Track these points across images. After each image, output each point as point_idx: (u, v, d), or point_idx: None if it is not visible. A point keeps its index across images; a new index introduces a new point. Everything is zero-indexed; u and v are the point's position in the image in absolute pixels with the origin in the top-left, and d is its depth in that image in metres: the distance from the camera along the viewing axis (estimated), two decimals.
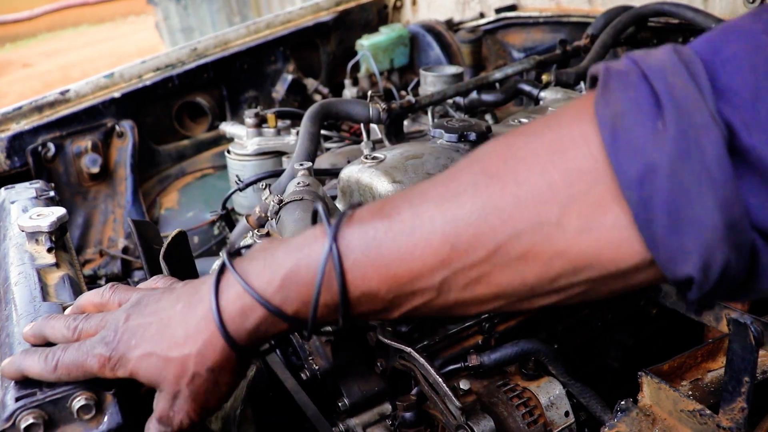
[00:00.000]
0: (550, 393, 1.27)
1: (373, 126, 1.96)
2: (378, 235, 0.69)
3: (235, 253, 0.80)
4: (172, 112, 2.69)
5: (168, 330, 0.77)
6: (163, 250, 1.19)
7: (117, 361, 0.78)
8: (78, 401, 0.77)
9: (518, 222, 0.63)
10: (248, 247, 0.81)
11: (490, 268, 0.66)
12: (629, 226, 0.59)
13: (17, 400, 0.76)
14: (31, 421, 0.74)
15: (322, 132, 1.92)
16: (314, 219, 0.80)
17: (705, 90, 0.56)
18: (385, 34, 2.74)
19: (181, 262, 1.25)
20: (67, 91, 2.38)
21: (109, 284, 0.90)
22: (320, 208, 0.75)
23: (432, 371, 1.11)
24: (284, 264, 0.73)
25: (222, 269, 0.77)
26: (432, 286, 0.69)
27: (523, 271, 0.65)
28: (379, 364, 1.30)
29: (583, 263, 0.63)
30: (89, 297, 0.90)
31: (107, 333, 0.80)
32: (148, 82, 2.52)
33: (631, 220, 0.59)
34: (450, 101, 1.92)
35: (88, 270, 2.29)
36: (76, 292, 1.07)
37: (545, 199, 0.62)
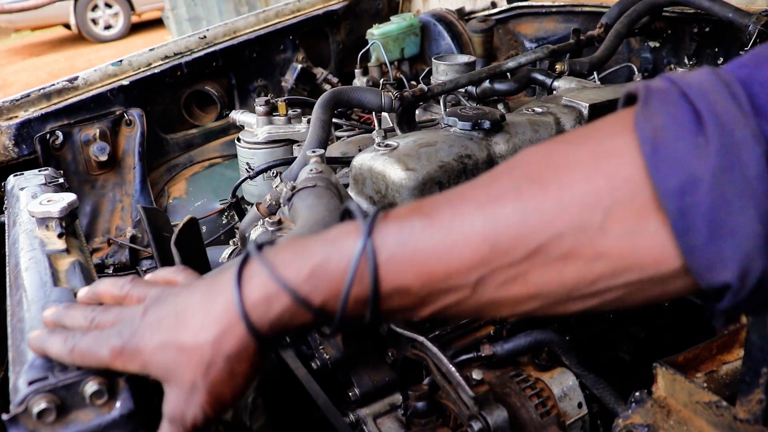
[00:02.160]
0: (563, 384, 1.26)
1: (384, 115, 1.95)
2: (415, 232, 0.69)
3: (260, 246, 0.77)
4: (180, 101, 2.68)
5: (184, 319, 0.76)
6: (174, 236, 1.18)
7: (130, 353, 0.77)
8: (91, 386, 0.76)
9: (561, 224, 0.64)
10: (272, 242, 0.79)
11: (529, 267, 0.66)
12: (667, 235, 0.61)
13: (30, 384, 0.75)
14: (43, 405, 0.73)
15: (333, 120, 1.91)
16: (343, 217, 0.78)
17: (745, 108, 0.59)
18: (395, 23, 2.72)
19: (192, 250, 1.24)
20: (76, 78, 2.37)
21: (130, 277, 0.88)
22: (353, 205, 0.75)
23: (445, 360, 1.10)
24: (314, 255, 0.72)
25: (246, 259, 0.75)
26: (467, 283, 0.68)
27: (563, 271, 0.66)
28: (390, 353, 1.29)
29: (623, 266, 0.64)
30: (108, 287, 0.88)
31: (123, 327, 0.79)
32: (156, 70, 2.51)
33: (669, 229, 0.60)
34: (462, 90, 1.91)
35: (96, 259, 2.28)
36: (87, 278, 1.06)
37: (589, 203, 0.63)
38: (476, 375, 1.16)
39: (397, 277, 0.69)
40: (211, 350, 0.74)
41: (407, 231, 0.69)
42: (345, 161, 1.66)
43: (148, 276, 0.92)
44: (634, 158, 0.62)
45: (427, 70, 2.20)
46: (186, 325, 0.75)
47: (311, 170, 1.21)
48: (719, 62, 2.11)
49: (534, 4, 2.68)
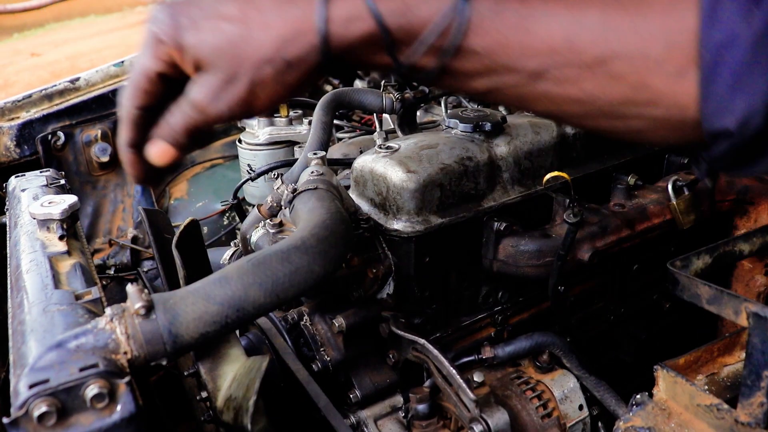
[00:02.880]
0: (564, 386, 1.26)
1: (386, 116, 1.95)
2: (509, 7, 0.73)
3: None
4: None
5: (256, 5, 0.73)
6: (175, 239, 1.18)
7: (176, 30, 0.74)
8: (91, 389, 0.76)
9: (630, 46, 0.72)
10: None
11: (587, 74, 0.74)
12: (696, 83, 0.70)
13: (30, 387, 0.75)
14: (44, 409, 0.73)
15: (334, 122, 1.91)
16: None
17: None
18: None
19: (193, 251, 1.24)
20: (77, 79, 2.38)
21: None
22: None
23: (446, 363, 1.10)
24: None
25: None
26: (531, 69, 0.74)
27: (612, 87, 0.74)
28: (391, 355, 1.29)
29: (658, 101, 0.73)
30: None
31: (160, 12, 0.76)
32: None
33: (699, 78, 0.70)
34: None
35: (97, 260, 2.28)
36: (88, 280, 1.06)
37: (657, 38, 0.71)
38: (477, 377, 1.15)
39: (477, 39, 0.73)
40: (274, 47, 0.72)
41: (504, 4, 0.73)
42: (346, 163, 1.66)
43: None
44: (697, 11, 0.69)
45: None
46: (257, 12, 0.73)
47: (312, 172, 1.20)
48: None
49: None
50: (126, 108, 0.83)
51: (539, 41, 0.73)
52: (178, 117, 0.80)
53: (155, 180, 0.92)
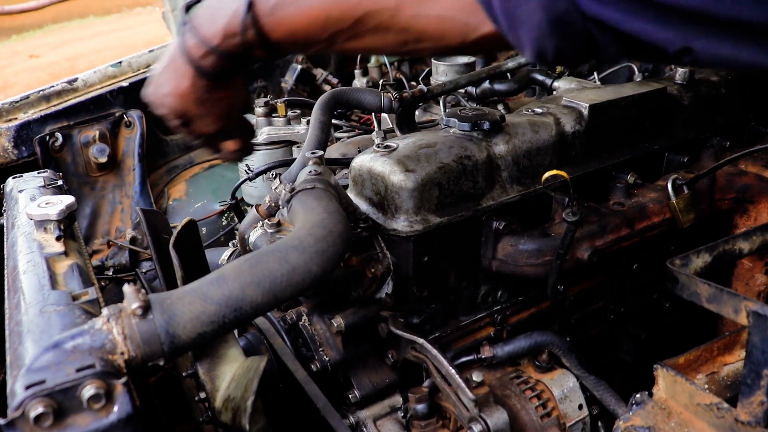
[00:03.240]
0: (564, 386, 1.26)
1: (384, 116, 1.95)
2: (282, 3, 0.95)
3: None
4: None
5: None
6: (173, 239, 1.18)
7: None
8: (88, 390, 0.75)
9: (369, 4, 0.89)
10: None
11: (360, 31, 0.93)
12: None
13: (27, 388, 0.74)
14: (40, 410, 0.73)
15: (332, 122, 1.91)
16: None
17: None
18: None
19: (191, 252, 1.24)
20: (75, 80, 2.37)
21: None
22: None
23: (445, 362, 1.10)
24: (222, 16, 1.00)
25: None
26: (323, 39, 0.96)
27: (384, 37, 0.92)
28: (390, 355, 1.29)
29: (422, 37, 0.90)
30: None
31: None
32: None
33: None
34: (462, 91, 1.90)
35: (95, 261, 2.28)
36: (85, 281, 1.06)
37: None
38: (476, 377, 1.15)
39: (276, 34, 0.97)
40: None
41: (275, 1, 0.96)
42: (344, 162, 1.65)
43: None
44: None
45: (426, 70, 2.19)
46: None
47: (310, 172, 1.20)
48: None
49: None
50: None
51: (310, 21, 0.94)
52: None
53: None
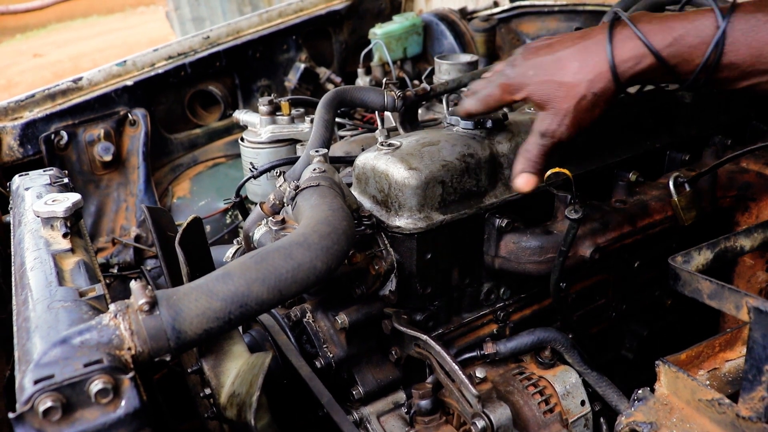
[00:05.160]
0: (566, 382, 1.26)
1: (387, 114, 1.95)
2: (758, 24, 0.95)
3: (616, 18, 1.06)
4: (184, 101, 2.68)
5: (563, 63, 1.06)
6: (178, 236, 1.18)
7: (516, 86, 1.12)
8: (96, 385, 0.76)
9: None
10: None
11: None
12: None
13: (36, 383, 0.75)
14: (49, 404, 0.74)
15: (335, 120, 1.91)
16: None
17: None
18: (398, 22, 2.73)
19: (196, 249, 1.24)
20: (80, 79, 2.38)
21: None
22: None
23: (448, 359, 1.11)
24: (676, 28, 1.00)
25: (614, 23, 1.05)
26: None
27: None
28: (393, 352, 1.29)
29: None
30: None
31: (507, 68, 1.14)
32: (160, 71, 2.52)
33: None
34: (465, 89, 1.91)
35: (100, 258, 2.29)
36: (91, 277, 1.06)
37: None
38: (479, 373, 1.16)
39: (735, 55, 0.97)
40: (585, 87, 1.05)
41: (752, 22, 0.96)
42: (348, 161, 1.66)
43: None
44: None
45: (429, 69, 2.20)
46: (566, 69, 1.06)
47: (314, 169, 1.21)
48: None
49: (536, 3, 2.68)
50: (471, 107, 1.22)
51: None
52: (533, 147, 1.13)
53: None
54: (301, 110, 2.13)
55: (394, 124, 1.85)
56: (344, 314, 1.23)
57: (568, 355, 1.29)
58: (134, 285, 0.87)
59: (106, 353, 0.80)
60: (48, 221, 1.16)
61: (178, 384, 1.54)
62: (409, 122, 1.75)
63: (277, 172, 1.36)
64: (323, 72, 2.83)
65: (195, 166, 2.64)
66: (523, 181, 1.15)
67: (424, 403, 1.17)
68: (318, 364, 1.24)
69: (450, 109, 1.25)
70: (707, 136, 1.61)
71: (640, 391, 1.03)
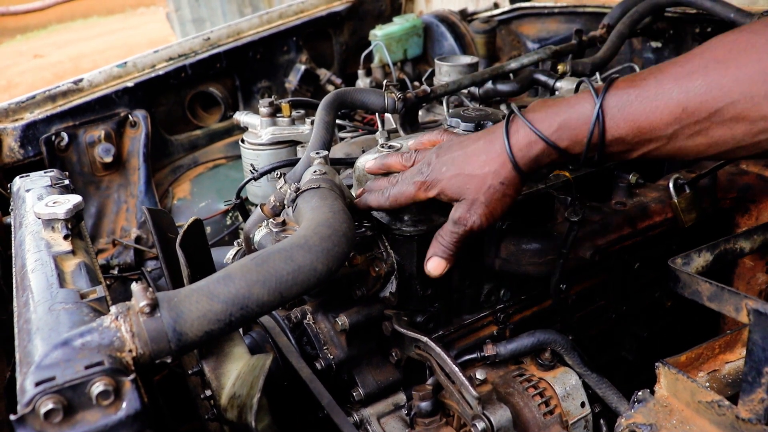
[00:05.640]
0: (566, 383, 1.26)
1: (388, 116, 1.96)
2: (630, 99, 0.98)
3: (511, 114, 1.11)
4: (184, 102, 2.69)
5: (472, 158, 1.11)
6: (179, 238, 1.19)
7: (430, 183, 1.14)
8: (97, 387, 0.76)
9: (735, 94, 0.90)
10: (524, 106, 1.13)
11: (710, 125, 0.93)
12: None
13: (37, 385, 0.75)
14: (50, 406, 0.74)
15: (336, 122, 1.91)
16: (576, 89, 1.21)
17: None
18: (398, 24, 2.73)
19: (197, 251, 1.25)
20: (81, 80, 2.38)
21: (414, 144, 1.29)
22: (587, 81, 1.13)
23: (448, 360, 1.11)
24: (560, 114, 1.04)
25: (510, 118, 1.09)
26: (665, 135, 0.97)
27: (734, 128, 0.92)
28: (394, 354, 1.30)
29: None
30: (395, 159, 1.25)
31: (422, 166, 1.17)
32: (161, 72, 2.52)
33: None
34: (465, 91, 1.91)
35: (101, 260, 2.29)
36: (92, 279, 1.06)
37: (758, 79, 0.88)
38: (479, 375, 1.16)
39: (617, 130, 1.00)
40: (492, 178, 1.09)
41: (624, 99, 0.99)
42: (349, 162, 1.66)
43: (412, 143, 1.30)
44: None
45: (430, 71, 2.20)
46: (473, 162, 1.11)
47: (315, 171, 1.21)
48: None
49: (536, 5, 2.68)
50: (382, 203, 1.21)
51: (661, 116, 0.96)
52: (447, 234, 1.15)
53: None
54: (302, 112, 2.13)
55: (394, 126, 1.85)
56: (345, 316, 1.23)
57: (568, 357, 1.29)
58: (135, 287, 0.87)
59: (107, 355, 0.80)
60: (49, 223, 1.16)
61: (179, 386, 1.55)
62: (410, 124, 1.75)
63: (277, 174, 1.36)
64: (324, 73, 2.83)
65: (195, 167, 2.64)
66: (433, 265, 1.17)
67: (425, 405, 1.17)
68: (318, 366, 1.24)
69: (355, 199, 1.25)
70: None
71: (639, 393, 1.03)
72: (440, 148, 1.17)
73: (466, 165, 1.11)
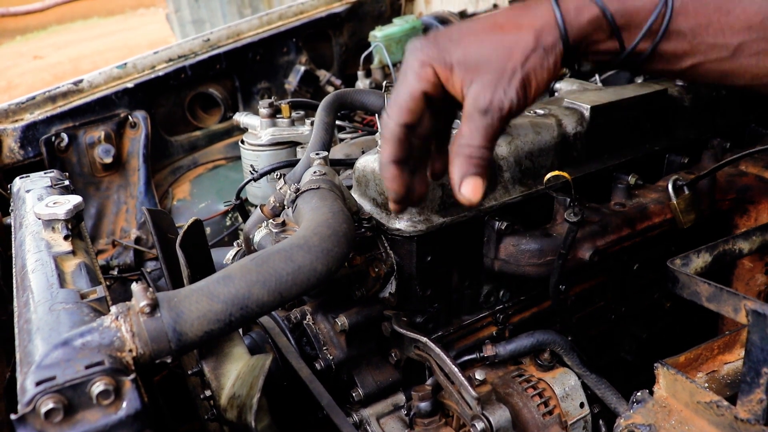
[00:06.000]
0: (565, 384, 1.27)
1: None
2: None
3: None
4: (184, 103, 2.69)
5: (500, 22, 0.88)
6: (179, 238, 1.19)
7: (437, 55, 0.87)
8: (97, 386, 0.77)
9: None
10: None
11: None
12: None
13: (37, 384, 0.76)
14: (51, 405, 0.74)
15: (336, 123, 1.92)
16: None
17: None
18: (398, 25, 2.73)
19: (197, 251, 1.25)
20: (81, 81, 2.39)
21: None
22: None
23: (448, 361, 1.11)
24: None
25: None
26: (731, 45, 0.86)
27: None
28: (393, 354, 1.30)
29: None
30: None
31: (421, 44, 0.89)
32: (160, 73, 2.52)
33: None
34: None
35: (100, 261, 2.29)
36: (92, 279, 1.07)
37: None
38: (479, 375, 1.16)
39: (684, 21, 0.87)
40: (533, 41, 0.86)
41: None
42: (348, 163, 1.66)
43: None
44: None
45: None
46: (505, 26, 0.87)
47: (315, 172, 1.21)
48: None
49: None
50: (390, 126, 0.93)
51: (737, 19, 0.84)
52: (472, 132, 0.87)
53: (415, 200, 1.01)
54: (302, 113, 2.13)
55: None
56: (344, 316, 1.23)
57: (568, 358, 1.29)
58: (135, 287, 0.87)
59: (107, 355, 0.81)
60: (49, 223, 1.16)
61: (179, 386, 1.55)
62: None
63: (277, 175, 1.37)
64: (323, 74, 2.83)
65: (195, 168, 2.64)
66: (470, 189, 0.89)
67: (424, 405, 1.17)
68: (318, 366, 1.24)
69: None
70: (706, 139, 1.61)
71: (638, 394, 1.03)
72: (439, 30, 0.93)
73: (491, 29, 0.88)
